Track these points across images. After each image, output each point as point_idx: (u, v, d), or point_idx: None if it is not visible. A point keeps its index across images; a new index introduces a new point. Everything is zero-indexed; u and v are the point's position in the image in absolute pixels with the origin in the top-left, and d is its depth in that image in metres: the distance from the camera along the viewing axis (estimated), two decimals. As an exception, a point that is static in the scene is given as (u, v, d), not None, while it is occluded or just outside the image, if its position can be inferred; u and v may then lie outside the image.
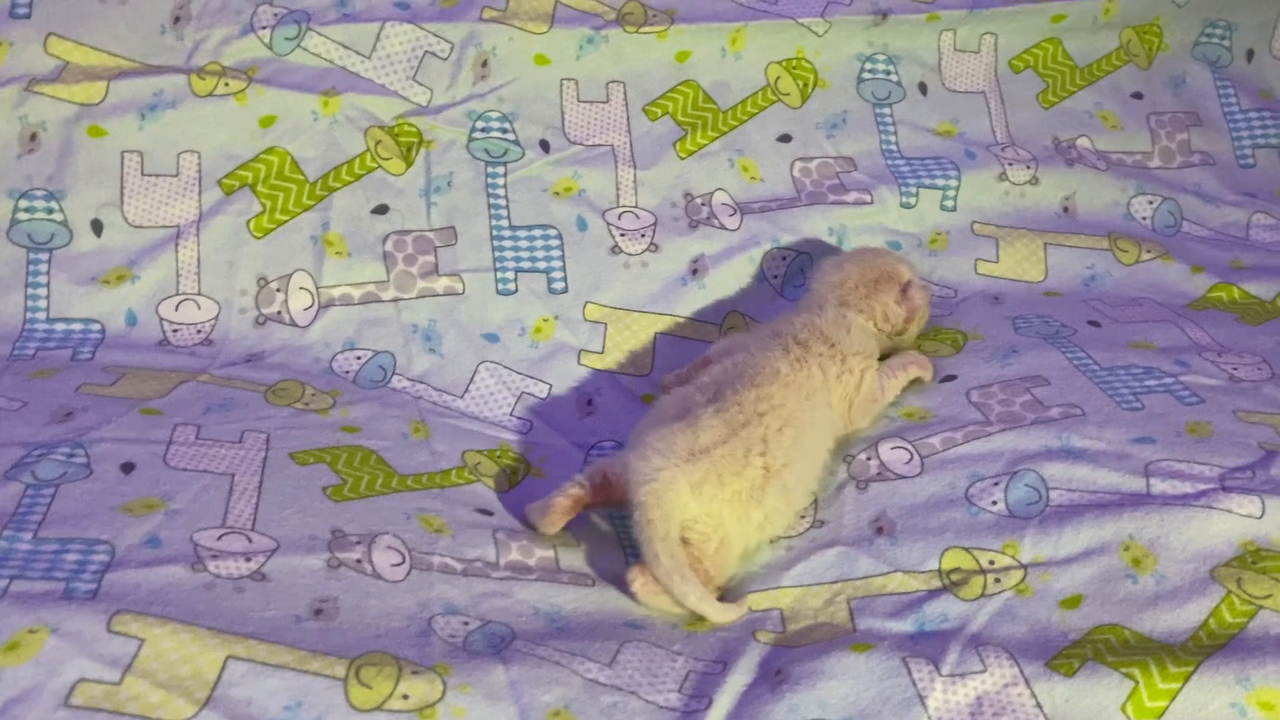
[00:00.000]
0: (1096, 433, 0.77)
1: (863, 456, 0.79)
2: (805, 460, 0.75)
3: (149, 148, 0.92)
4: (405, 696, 0.58)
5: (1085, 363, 0.84)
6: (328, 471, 0.75)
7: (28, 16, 0.90)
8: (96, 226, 0.90)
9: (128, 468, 0.71)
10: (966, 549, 0.71)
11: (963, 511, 0.74)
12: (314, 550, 0.67)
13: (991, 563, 0.70)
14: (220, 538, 0.66)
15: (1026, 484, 0.74)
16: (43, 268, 0.89)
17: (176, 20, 0.94)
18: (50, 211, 0.89)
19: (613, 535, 0.78)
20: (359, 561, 0.67)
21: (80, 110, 0.91)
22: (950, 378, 0.85)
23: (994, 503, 0.74)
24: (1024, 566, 0.70)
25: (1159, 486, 0.72)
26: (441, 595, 0.67)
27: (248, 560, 0.65)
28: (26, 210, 0.89)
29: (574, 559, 0.74)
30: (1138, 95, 1.10)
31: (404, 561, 0.69)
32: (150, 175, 0.92)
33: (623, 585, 0.72)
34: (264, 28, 0.94)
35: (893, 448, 0.79)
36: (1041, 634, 0.65)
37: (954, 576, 0.70)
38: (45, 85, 0.90)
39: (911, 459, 0.78)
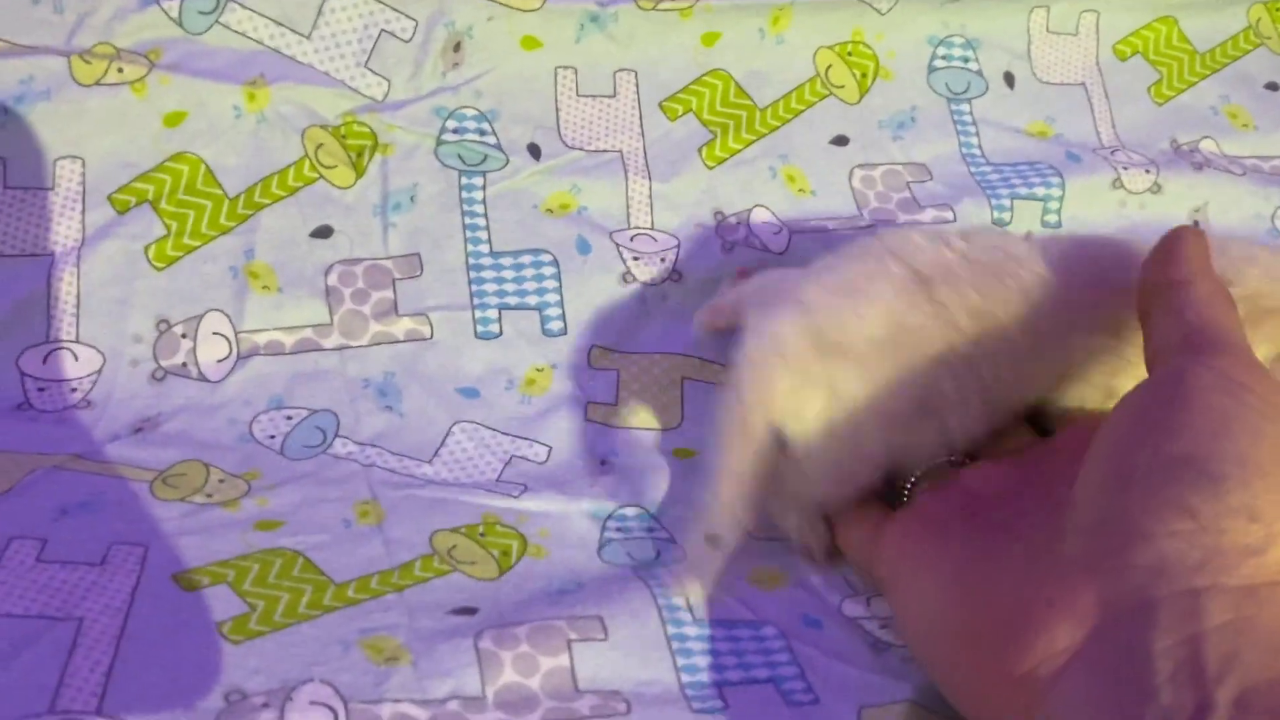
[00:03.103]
0: None
1: None
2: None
3: (15, 153, 0.70)
4: None
5: None
6: (228, 596, 0.51)
7: None
8: (-60, 256, 0.68)
9: None
10: None
11: None
12: (194, 732, 0.44)
13: None
14: (45, 725, 0.43)
15: None
16: None
17: (56, -12, 0.72)
18: (-123, 236, 0.67)
19: (651, 611, 0.54)
20: (265, 742, 0.44)
21: (-78, 103, 0.69)
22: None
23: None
24: None
25: None
26: None
27: (84, 763, 0.42)
28: None
29: (599, 666, 0.50)
30: (1272, 86, 0.90)
31: (336, 726, 0.45)
32: (16, 188, 0.70)
33: (672, 702, 0.49)
34: (172, -1, 0.73)
35: None
36: None
37: None
38: (-125, 70, 0.68)
39: None
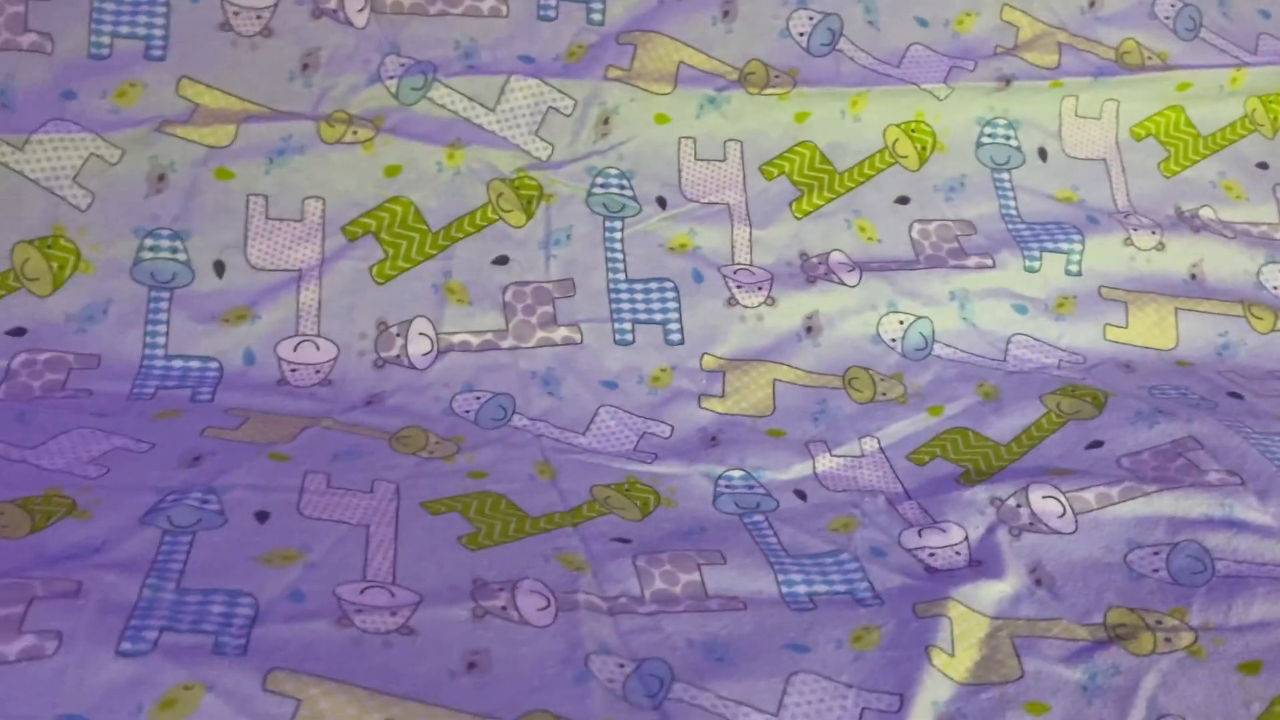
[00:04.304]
0: (1259, 505, 0.74)
1: (1012, 502, 0.76)
2: None
3: (275, 192, 0.92)
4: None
5: (1238, 424, 0.81)
6: (460, 520, 0.73)
7: (162, 59, 0.91)
8: (219, 267, 0.90)
9: (262, 516, 0.69)
10: (1131, 609, 0.69)
11: (1123, 575, 0.71)
12: (458, 601, 0.65)
13: (1159, 622, 0.68)
14: (363, 591, 0.64)
15: (1189, 555, 0.72)
16: (163, 305, 0.88)
17: (305, 67, 0.94)
18: (175, 251, 0.89)
19: (755, 549, 0.74)
20: (504, 609, 0.65)
21: (209, 152, 0.91)
22: (1097, 443, 0.82)
23: (1155, 570, 0.71)
24: (1194, 629, 0.67)
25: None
26: (591, 633, 0.64)
27: (393, 614, 0.63)
28: (151, 249, 0.89)
29: (721, 580, 0.71)
30: (1263, 165, 1.08)
31: (549, 605, 0.66)
32: (275, 219, 0.92)
33: (775, 604, 0.69)
34: (391, 77, 0.95)
35: (1044, 496, 0.77)
36: (1222, 697, 0.62)
37: (1120, 630, 0.67)
38: (176, 126, 0.91)
39: (1065, 514, 0.75)
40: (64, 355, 0.84)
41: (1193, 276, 1.01)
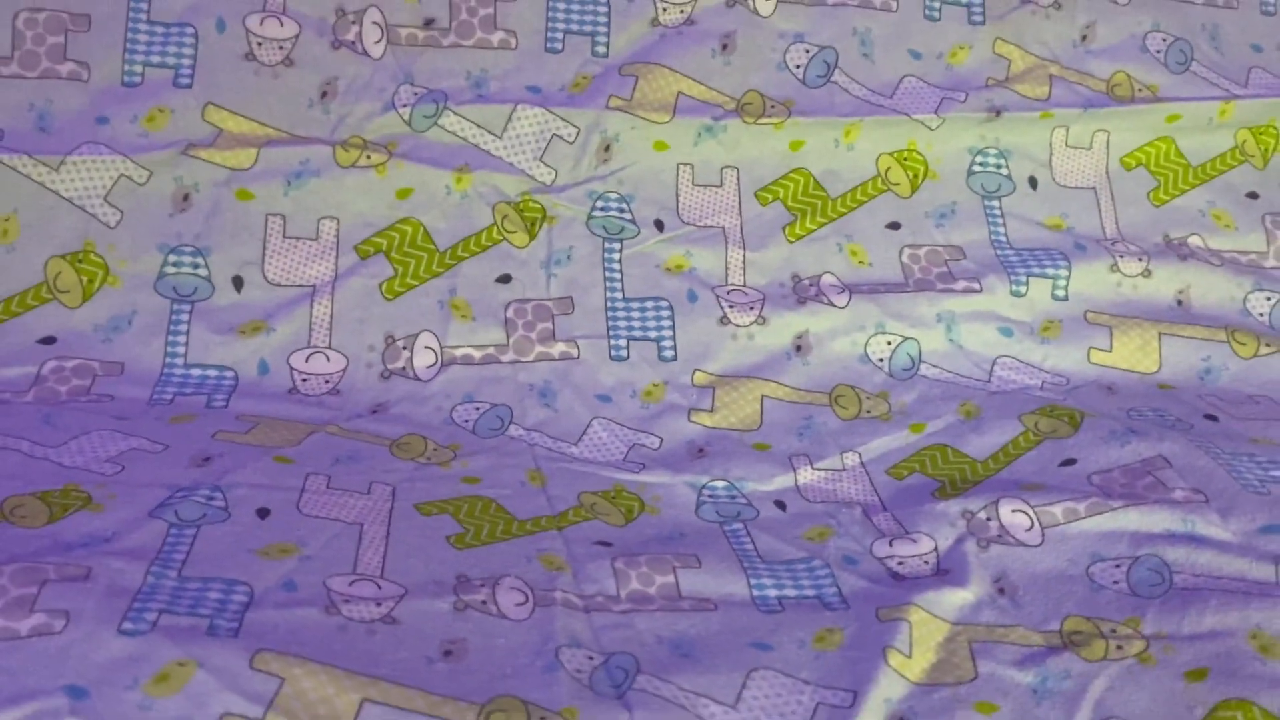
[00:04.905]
0: (1221, 521, 0.76)
1: (982, 515, 0.79)
2: None
3: (292, 212, 0.98)
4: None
5: (1208, 445, 0.84)
6: (451, 521, 0.77)
7: (189, 86, 0.97)
8: (238, 283, 0.95)
9: (263, 513, 0.74)
10: (1088, 618, 0.71)
11: (1084, 586, 0.74)
12: (440, 595, 0.69)
13: (1113, 630, 0.70)
14: (351, 584, 0.68)
15: (1149, 568, 0.74)
16: (184, 318, 0.93)
17: (324, 95, 1.00)
18: (196, 267, 0.95)
19: (731, 554, 0.78)
20: (484, 603, 0.69)
21: (231, 174, 0.97)
22: (1070, 461, 0.84)
23: (1115, 582, 0.74)
24: (1146, 638, 0.69)
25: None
26: (565, 627, 0.68)
27: (378, 605, 0.67)
28: (174, 265, 0.95)
29: (695, 582, 0.74)
30: (1253, 195, 1.10)
31: (527, 600, 0.70)
32: (291, 238, 0.97)
33: (745, 605, 0.72)
34: (404, 105, 1.00)
35: (1013, 510, 0.79)
36: (1166, 702, 0.64)
37: (1075, 637, 0.70)
38: (200, 150, 0.96)
39: (1032, 527, 0.78)
40: (90, 363, 0.90)
41: (1179, 302, 1.03)
